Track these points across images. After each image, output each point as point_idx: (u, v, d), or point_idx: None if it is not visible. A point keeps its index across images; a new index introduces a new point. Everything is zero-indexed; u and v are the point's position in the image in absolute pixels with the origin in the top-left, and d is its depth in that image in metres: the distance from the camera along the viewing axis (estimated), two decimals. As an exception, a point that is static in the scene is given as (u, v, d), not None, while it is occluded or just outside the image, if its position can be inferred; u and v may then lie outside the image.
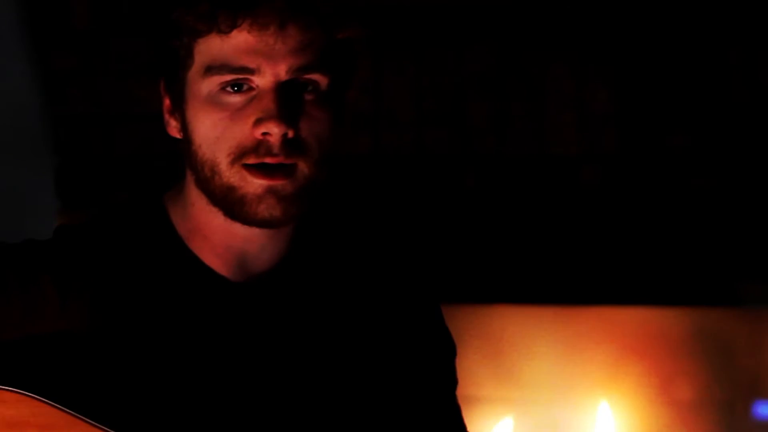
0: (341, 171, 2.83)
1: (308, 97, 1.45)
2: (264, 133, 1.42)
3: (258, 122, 1.43)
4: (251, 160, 1.43)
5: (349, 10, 1.46)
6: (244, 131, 1.44)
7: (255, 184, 1.44)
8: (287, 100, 1.43)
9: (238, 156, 1.44)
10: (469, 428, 1.66)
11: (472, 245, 3.17)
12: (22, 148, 3.17)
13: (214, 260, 1.52)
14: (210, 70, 1.44)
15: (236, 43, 1.43)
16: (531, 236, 3.16)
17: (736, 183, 3.12)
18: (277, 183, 1.44)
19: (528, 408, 3.27)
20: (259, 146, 1.43)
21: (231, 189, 1.45)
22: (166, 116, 1.52)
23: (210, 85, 1.45)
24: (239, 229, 1.49)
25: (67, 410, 1.41)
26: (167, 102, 1.52)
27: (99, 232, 1.54)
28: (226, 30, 1.42)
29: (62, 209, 3.18)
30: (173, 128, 1.52)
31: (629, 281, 3.13)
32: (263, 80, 1.43)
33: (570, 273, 3.16)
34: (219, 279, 1.51)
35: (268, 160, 1.43)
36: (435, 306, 1.65)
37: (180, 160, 1.52)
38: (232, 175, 1.45)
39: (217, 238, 1.51)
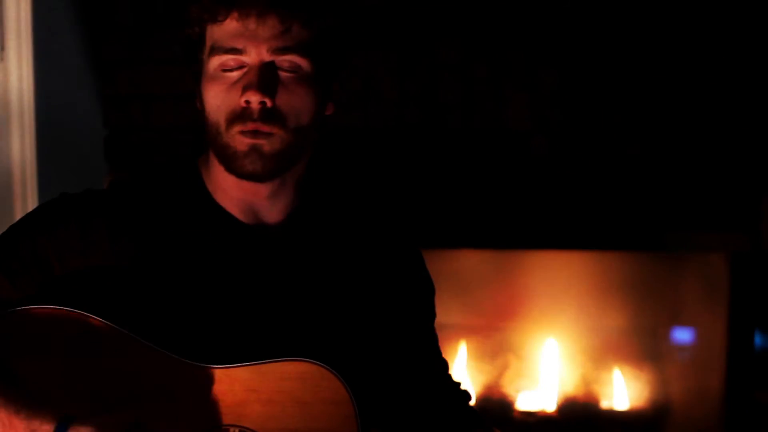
0: (336, 141, 3.15)
1: (290, 75, 1.53)
2: (247, 101, 1.52)
3: (242, 91, 1.53)
4: (238, 128, 1.52)
5: (327, 4, 1.58)
6: (234, 99, 1.53)
7: (243, 143, 1.52)
8: (268, 75, 1.51)
9: (232, 121, 1.53)
10: (441, 349, 1.80)
11: (444, 202, 3.30)
12: (78, 122, 3.29)
13: (234, 210, 1.62)
14: (213, 50, 1.55)
15: (228, 29, 1.54)
16: (491, 194, 3.29)
17: (663, 152, 3.24)
18: (258, 142, 1.52)
19: (487, 333, 3.46)
20: (243, 113, 1.52)
21: (227, 147, 1.54)
22: (196, 92, 1.61)
23: (214, 63, 1.55)
24: (246, 185, 1.58)
25: (120, 328, 1.51)
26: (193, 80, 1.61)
27: (144, 185, 1.64)
28: (221, 19, 1.54)
29: (110, 170, 3.36)
30: (197, 102, 1.61)
31: (571, 231, 3.29)
32: (250, 59, 1.53)
33: (522, 224, 3.29)
34: (239, 224, 1.62)
35: (249, 126, 1.51)
36: (417, 252, 1.73)
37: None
38: (228, 136, 1.54)
39: (233, 192, 1.61)
